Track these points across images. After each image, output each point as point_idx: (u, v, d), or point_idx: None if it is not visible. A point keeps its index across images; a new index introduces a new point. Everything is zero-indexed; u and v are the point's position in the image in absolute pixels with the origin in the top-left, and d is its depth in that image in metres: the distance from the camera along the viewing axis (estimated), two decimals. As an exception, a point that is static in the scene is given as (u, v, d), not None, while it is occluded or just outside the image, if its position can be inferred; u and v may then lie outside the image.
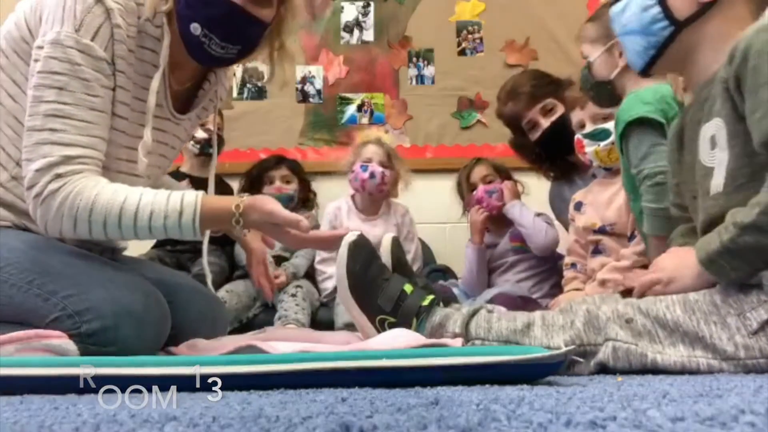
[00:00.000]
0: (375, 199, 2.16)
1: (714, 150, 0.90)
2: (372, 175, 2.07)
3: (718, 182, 0.89)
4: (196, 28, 1.00)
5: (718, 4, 0.92)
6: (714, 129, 0.90)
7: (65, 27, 0.93)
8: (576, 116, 1.58)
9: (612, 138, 1.48)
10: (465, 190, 2.17)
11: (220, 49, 1.02)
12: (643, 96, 1.25)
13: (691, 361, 0.76)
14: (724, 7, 0.92)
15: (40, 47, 0.94)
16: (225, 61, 1.07)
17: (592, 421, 0.38)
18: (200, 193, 0.99)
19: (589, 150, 1.52)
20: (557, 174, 1.95)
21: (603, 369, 0.80)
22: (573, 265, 1.64)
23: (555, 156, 1.88)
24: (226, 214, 0.97)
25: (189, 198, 0.96)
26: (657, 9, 0.93)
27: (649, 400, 0.49)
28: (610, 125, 1.48)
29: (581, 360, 0.80)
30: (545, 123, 1.84)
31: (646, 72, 1.02)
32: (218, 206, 0.98)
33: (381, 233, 2.12)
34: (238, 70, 2.65)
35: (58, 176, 0.91)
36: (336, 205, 2.22)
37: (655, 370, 0.77)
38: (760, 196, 0.79)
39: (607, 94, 1.38)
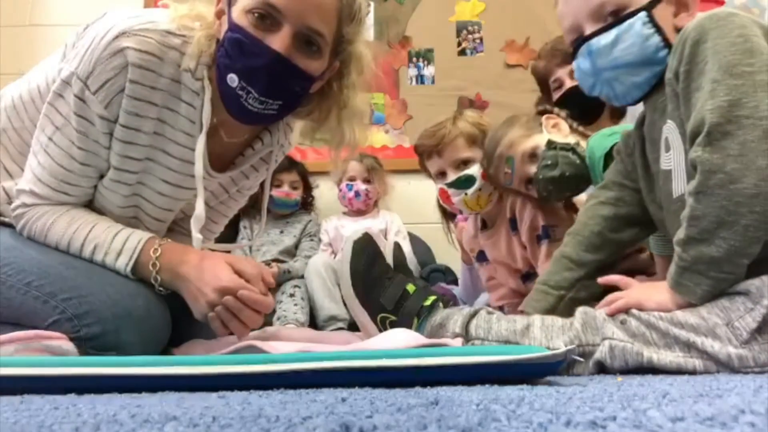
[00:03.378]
0: (363, 210, 2.39)
1: (669, 152, 0.90)
2: (357, 194, 2.33)
3: (679, 184, 0.88)
4: (233, 79, 0.90)
5: None
6: (667, 131, 0.89)
7: (79, 69, 0.92)
8: (434, 165, 1.50)
9: (478, 184, 1.42)
10: (444, 216, 2.22)
11: (258, 104, 0.92)
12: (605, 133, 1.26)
13: (687, 362, 0.76)
14: None
15: (59, 73, 0.94)
16: (264, 117, 0.96)
17: (592, 421, 0.38)
18: (147, 237, 0.95)
19: (456, 199, 1.46)
20: None
21: (601, 368, 0.80)
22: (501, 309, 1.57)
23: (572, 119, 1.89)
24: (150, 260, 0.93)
25: (131, 242, 0.94)
26: (658, 38, 0.89)
27: (649, 400, 0.49)
28: (473, 170, 1.43)
29: (581, 360, 0.80)
30: (569, 83, 1.80)
31: (638, 102, 0.98)
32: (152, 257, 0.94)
33: (369, 225, 2.24)
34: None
35: (24, 204, 0.99)
36: (329, 223, 2.40)
37: (653, 369, 0.77)
38: (686, 209, 0.80)
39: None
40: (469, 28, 2.74)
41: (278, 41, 0.89)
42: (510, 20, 2.69)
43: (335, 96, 1.03)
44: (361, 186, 2.33)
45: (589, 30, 0.93)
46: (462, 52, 2.73)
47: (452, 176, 1.45)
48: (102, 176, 1.00)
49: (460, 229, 2.03)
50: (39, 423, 0.42)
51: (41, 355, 0.79)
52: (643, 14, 0.89)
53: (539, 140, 1.33)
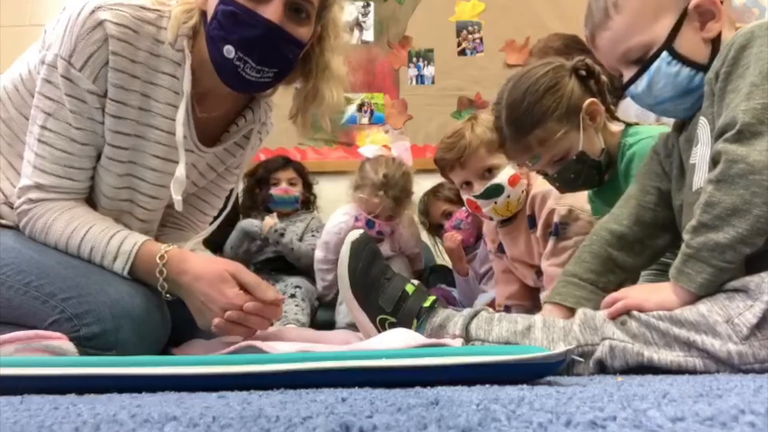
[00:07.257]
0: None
1: (697, 147, 0.91)
2: (380, 233, 2.01)
3: (700, 177, 0.89)
4: (229, 50, 0.93)
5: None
6: (699, 127, 0.91)
7: (62, 49, 0.93)
8: (458, 176, 1.52)
9: (506, 192, 1.44)
10: (429, 229, 2.19)
11: (255, 73, 0.96)
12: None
13: (687, 361, 0.76)
14: (724, 28, 0.90)
15: (42, 63, 0.95)
16: (260, 85, 1.00)
17: (592, 421, 0.38)
18: (142, 240, 0.95)
19: (486, 209, 1.49)
20: None
21: (602, 367, 0.80)
22: (507, 308, 1.59)
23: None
24: (154, 266, 0.93)
25: (127, 245, 0.94)
26: (686, 69, 0.90)
27: (649, 400, 0.49)
28: (500, 179, 1.45)
29: (581, 360, 0.80)
30: None
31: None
32: (152, 258, 0.94)
33: (384, 253, 2.05)
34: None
35: (30, 200, 0.97)
36: (338, 223, 2.08)
37: (653, 368, 0.77)
38: (702, 197, 0.81)
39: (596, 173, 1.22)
40: (469, 28, 2.74)
41: (271, 11, 0.93)
42: (510, 20, 2.69)
43: (317, 59, 1.07)
44: (385, 227, 2.00)
45: (626, 75, 0.95)
46: (462, 52, 2.73)
47: (478, 187, 1.47)
48: (100, 155, 1.00)
49: (449, 236, 2.00)
50: (39, 423, 0.42)
51: (41, 355, 0.79)
52: (664, 54, 0.90)
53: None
